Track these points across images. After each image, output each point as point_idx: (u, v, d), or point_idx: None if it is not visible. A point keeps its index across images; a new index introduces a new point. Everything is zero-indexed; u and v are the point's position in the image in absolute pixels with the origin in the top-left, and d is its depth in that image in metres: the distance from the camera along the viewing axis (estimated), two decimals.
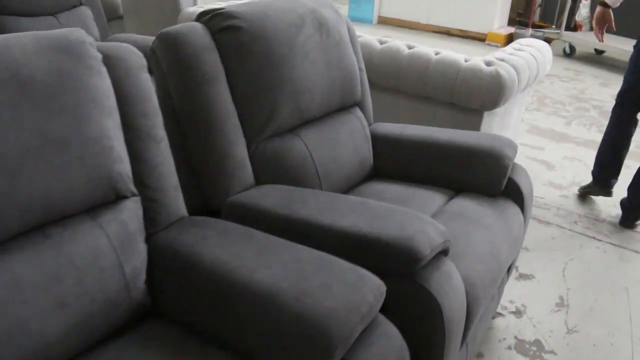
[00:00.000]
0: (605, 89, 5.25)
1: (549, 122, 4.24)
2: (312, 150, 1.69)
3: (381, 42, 2.89)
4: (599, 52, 6.42)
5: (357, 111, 1.97)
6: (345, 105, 1.91)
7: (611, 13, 3.10)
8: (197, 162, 1.54)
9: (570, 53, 6.31)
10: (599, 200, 3.08)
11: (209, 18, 1.58)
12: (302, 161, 1.65)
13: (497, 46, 6.54)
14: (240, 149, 1.56)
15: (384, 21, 7.34)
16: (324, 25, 1.80)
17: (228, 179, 1.54)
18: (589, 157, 3.65)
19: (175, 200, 1.40)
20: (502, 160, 1.80)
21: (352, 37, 2.02)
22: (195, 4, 3.75)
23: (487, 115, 2.73)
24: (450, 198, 1.84)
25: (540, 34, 6.42)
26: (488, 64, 2.64)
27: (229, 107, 1.55)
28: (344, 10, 7.46)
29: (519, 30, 6.47)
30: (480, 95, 2.57)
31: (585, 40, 6.10)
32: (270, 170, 1.62)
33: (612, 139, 2.93)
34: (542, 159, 3.57)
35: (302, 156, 1.66)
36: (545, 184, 3.22)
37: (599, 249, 2.61)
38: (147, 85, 1.37)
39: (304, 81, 1.68)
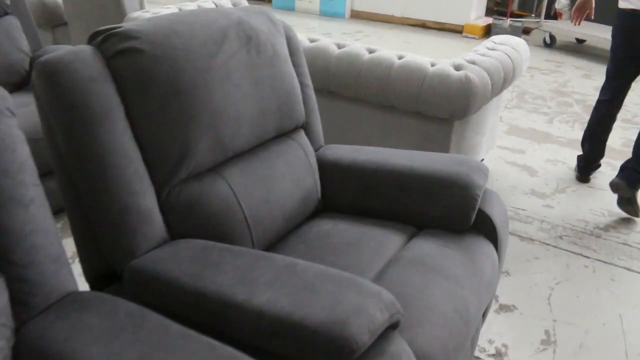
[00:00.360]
0: (587, 81, 5.00)
1: (529, 121, 3.98)
2: (239, 192, 1.40)
3: (339, 46, 2.60)
4: (580, 41, 6.18)
5: (301, 136, 1.68)
6: (285, 131, 1.63)
7: (593, 1, 2.88)
8: (93, 219, 1.25)
9: (550, 43, 6.05)
10: (586, 205, 2.82)
11: (101, 40, 1.29)
12: (226, 207, 1.37)
13: (474, 38, 6.27)
14: (145, 199, 1.27)
15: (357, 15, 7.05)
16: (253, 38, 1.51)
17: (130, 237, 1.25)
18: (574, 158, 3.40)
19: (55, 276, 1.11)
20: (470, 190, 1.53)
21: (294, 49, 1.74)
22: (141, 7, 3.44)
23: (458, 125, 2.46)
24: (411, 237, 1.56)
25: (518, 24, 6.16)
26: (457, 68, 2.37)
27: (128, 150, 1.26)
28: (316, 4, 7.16)
29: (496, 21, 6.21)
30: (448, 104, 2.30)
31: (566, 29, 5.85)
32: (186, 220, 1.34)
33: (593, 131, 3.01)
34: (523, 163, 3.31)
35: (225, 200, 1.37)
36: (527, 193, 2.95)
37: (588, 267, 2.35)
38: (7, 133, 1.07)
39: (225, 109, 1.39)
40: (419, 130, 2.49)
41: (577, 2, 2.95)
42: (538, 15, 6.57)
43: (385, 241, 1.49)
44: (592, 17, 3.03)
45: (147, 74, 1.28)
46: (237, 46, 1.46)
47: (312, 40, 2.67)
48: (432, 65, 2.40)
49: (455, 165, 1.59)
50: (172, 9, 3.04)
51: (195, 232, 1.35)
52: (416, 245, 1.47)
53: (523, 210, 2.78)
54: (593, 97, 4.55)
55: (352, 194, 1.67)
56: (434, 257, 1.40)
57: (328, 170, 1.72)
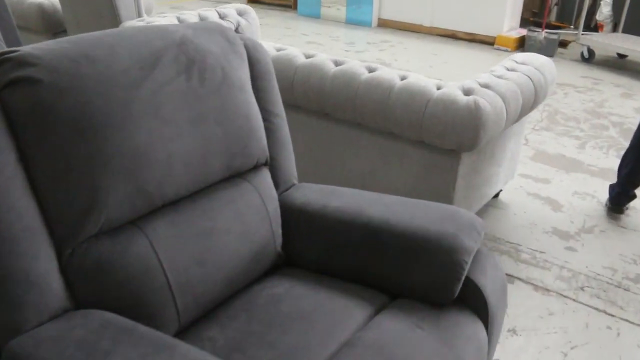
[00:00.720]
0: (627, 101, 4.61)
1: (558, 145, 3.63)
2: (163, 251, 1.15)
3: (337, 63, 2.33)
4: (622, 56, 5.76)
5: (260, 177, 1.42)
6: (239, 172, 1.37)
7: None
8: None
9: (588, 58, 5.65)
10: (615, 249, 2.48)
11: None
12: (144, 269, 1.12)
13: (506, 50, 5.92)
14: (38, 262, 1.03)
15: (384, 24, 6.76)
16: (196, 62, 1.26)
17: (13, 309, 1.01)
18: (605, 191, 3.05)
19: None
20: (455, 255, 1.24)
21: (260, 72, 1.48)
22: (139, 15, 3.23)
23: (467, 156, 2.16)
24: (379, 310, 1.28)
25: (554, 36, 5.78)
26: (466, 92, 2.07)
27: (17, 202, 1.02)
28: (342, 12, 6.90)
29: (531, 33, 5.84)
30: (454, 134, 2.00)
31: (606, 43, 5.45)
32: (95, 285, 1.09)
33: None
34: (546, 195, 2.98)
35: (144, 261, 1.12)
36: (548, 232, 2.63)
37: (611, 329, 2.02)
38: None
39: (151, 151, 1.14)
40: (423, 160, 2.20)
41: None
42: (577, 27, 6.18)
43: (344, 316, 1.21)
44: None
45: (46, 109, 1.04)
46: (173, 73, 1.21)
47: (308, 56, 2.41)
48: (438, 88, 2.11)
49: (441, 221, 1.31)
50: (169, 18, 2.82)
51: (107, 299, 1.10)
52: (381, 323, 1.19)
53: (541, 253, 2.46)
54: (632, 119, 4.16)
55: (317, 249, 1.40)
56: (399, 342, 1.12)
57: (294, 217, 1.45)
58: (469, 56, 5.69)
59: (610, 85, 4.99)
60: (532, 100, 2.37)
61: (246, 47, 1.47)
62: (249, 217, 1.32)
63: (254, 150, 1.37)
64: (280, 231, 1.43)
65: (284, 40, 5.94)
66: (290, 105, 2.49)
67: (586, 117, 4.16)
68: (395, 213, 1.34)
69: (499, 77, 2.27)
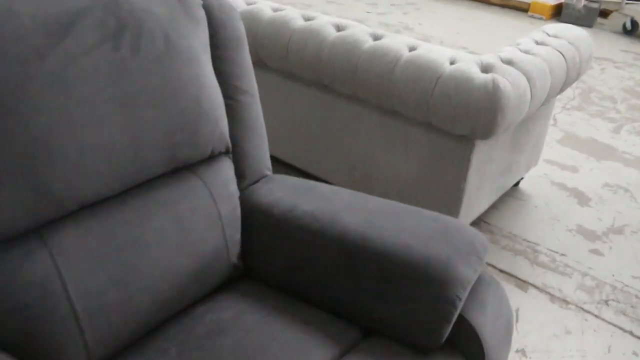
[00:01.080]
0: None
1: (591, 128, 3.29)
2: (68, 270, 0.90)
3: (339, 28, 2.03)
4: None
5: (216, 170, 1.15)
6: (186, 164, 1.10)
7: None
8: None
9: (631, 30, 5.20)
10: None
11: None
12: (41, 293, 0.87)
13: (541, 19, 5.49)
14: None
15: None
16: (129, 27, 0.98)
17: None
18: (639, 183, 2.72)
19: None
20: (446, 288, 0.97)
21: (224, 39, 1.20)
22: None
23: (482, 143, 1.87)
24: (345, 351, 1.02)
25: (595, 5, 5.32)
26: (485, 69, 1.77)
27: None
28: None
29: (569, 1, 5.39)
30: (467, 118, 1.71)
31: None
32: None
33: None
34: (573, 186, 2.67)
35: (41, 284, 0.87)
36: (572, 230, 2.33)
37: (637, 356, 1.74)
38: None
39: (57, 140, 0.88)
40: (430, 146, 1.91)
41: None
42: None
43: (300, 358, 0.96)
44: None
45: None
46: (95, 40, 0.94)
47: (307, 19, 2.11)
48: (452, 62, 1.80)
49: (432, 240, 1.03)
50: None
51: None
52: None
53: (562, 255, 2.17)
54: None
55: (281, 264, 1.15)
56: None
57: (258, 219, 1.19)
58: (499, 23, 5.28)
59: None
60: (563, 81, 2.04)
61: (207, 7, 1.18)
62: (193, 223, 1.06)
63: (206, 138, 1.10)
64: (238, 237, 1.17)
65: None
66: (286, 74, 2.20)
67: (624, 97, 3.79)
68: (377, 225, 1.07)
69: (526, 52, 1.95)
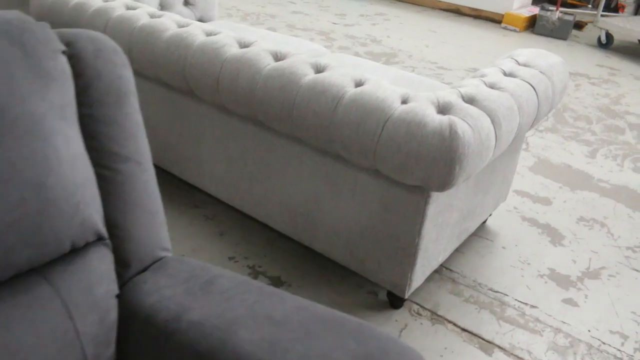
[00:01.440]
0: None
1: (565, 153, 3.08)
2: None
3: (277, 57, 1.78)
4: None
5: (77, 268, 0.89)
6: (33, 267, 0.84)
7: None
8: None
9: (606, 43, 5.03)
10: (629, 305, 1.96)
11: None
12: None
13: (514, 30, 5.29)
14: None
15: None
16: None
17: None
18: (618, 217, 2.51)
19: None
20: None
21: (102, 93, 0.94)
22: None
23: (439, 193, 1.62)
24: None
25: (569, 17, 5.14)
26: (442, 109, 1.52)
27: None
28: None
29: (543, 12, 5.21)
30: (419, 169, 1.47)
31: (627, 28, 4.82)
32: None
33: None
34: (545, 221, 2.44)
35: None
36: (544, 277, 2.10)
37: None
38: None
39: None
40: (380, 194, 1.66)
41: None
42: (596, 7, 5.54)
43: None
44: None
45: None
46: None
47: (243, 46, 1.85)
48: (404, 101, 1.55)
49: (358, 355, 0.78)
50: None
51: None
52: None
53: (532, 307, 1.94)
54: None
55: None
56: None
57: (136, 327, 0.93)
58: (471, 35, 5.08)
59: (630, 77, 4.40)
60: (533, 117, 1.81)
61: (76, 54, 0.92)
62: (35, 352, 0.79)
63: (58, 231, 0.84)
64: (109, 354, 0.90)
65: (267, 8, 5.33)
66: (219, 107, 1.94)
67: (599, 117, 3.59)
68: (279, 347, 0.81)
69: (492, 85, 1.72)
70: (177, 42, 1.89)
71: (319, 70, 1.71)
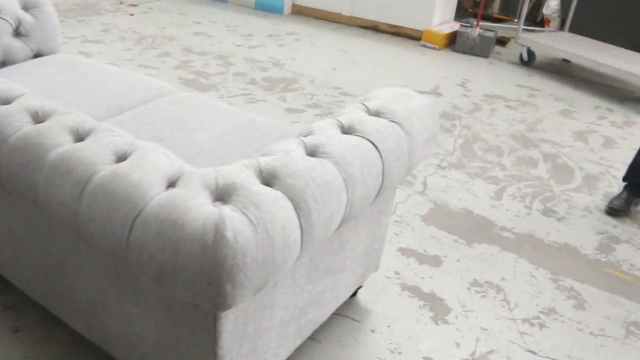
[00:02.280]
0: (566, 121, 3.71)
1: (468, 195, 2.71)
2: None
3: (37, 118, 1.33)
4: (567, 60, 4.86)
5: None
6: None
7: None
8: None
9: (528, 60, 4.74)
10: None
11: None
12: None
13: (434, 48, 4.97)
14: None
15: (299, 11, 5.73)
16: None
17: None
18: (519, 277, 2.14)
19: None
20: None
21: None
22: None
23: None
24: None
25: (490, 33, 4.84)
26: (221, 194, 1.11)
27: None
28: None
29: (463, 29, 4.89)
30: (178, 286, 1.04)
31: (548, 45, 4.53)
32: None
33: None
34: (430, 290, 2.05)
35: None
36: None
37: None
38: None
39: None
40: (164, 304, 1.24)
41: None
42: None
43: None
44: None
45: None
46: None
47: (4, 102, 1.40)
48: (171, 184, 1.13)
49: None
50: None
51: None
52: None
53: None
54: (569, 150, 3.27)
55: None
56: None
57: None
58: (387, 55, 4.73)
59: (550, 98, 4.10)
60: (376, 187, 1.41)
61: None
62: None
63: None
64: None
65: (168, 30, 4.87)
66: None
67: (512, 147, 3.25)
68: None
69: (314, 149, 1.31)
70: None
71: (79, 137, 1.27)
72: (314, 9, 5.64)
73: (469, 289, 2.07)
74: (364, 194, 1.37)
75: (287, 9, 5.74)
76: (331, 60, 4.43)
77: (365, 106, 1.60)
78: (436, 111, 1.73)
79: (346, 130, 1.47)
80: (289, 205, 1.13)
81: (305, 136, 1.42)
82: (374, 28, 5.35)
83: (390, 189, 1.63)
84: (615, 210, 2.62)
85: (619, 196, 2.68)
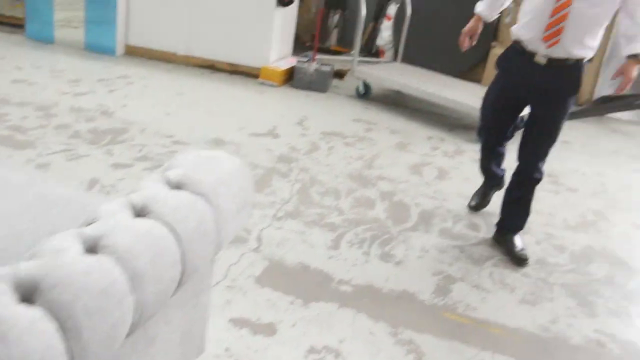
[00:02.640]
0: (401, 155, 3.79)
1: (305, 247, 2.61)
2: None
3: None
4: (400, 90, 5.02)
5: None
6: None
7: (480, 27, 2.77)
8: None
9: (365, 93, 4.84)
10: None
11: None
12: None
13: (272, 85, 4.91)
14: None
15: (132, 51, 5.42)
16: None
17: None
18: (358, 336, 2.06)
19: None
20: None
21: None
22: None
23: None
24: None
25: (327, 68, 4.89)
26: None
27: None
28: (80, 34, 5.43)
29: (300, 65, 4.90)
30: None
31: (382, 77, 4.65)
32: None
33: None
34: None
35: None
36: None
37: None
38: None
39: None
40: None
41: (469, 24, 2.82)
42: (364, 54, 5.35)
43: None
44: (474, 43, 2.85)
45: None
46: None
47: None
48: None
49: None
50: None
51: None
52: None
53: None
54: (405, 185, 3.32)
55: None
56: None
57: None
58: (225, 95, 4.59)
59: (386, 131, 4.18)
60: (175, 279, 1.25)
61: None
62: None
63: None
64: None
65: None
66: None
67: (350, 188, 3.22)
68: None
69: (93, 244, 1.12)
70: None
71: None
72: (148, 49, 5.37)
73: (305, 357, 1.95)
74: (158, 289, 1.20)
75: (119, 49, 5.41)
76: (165, 105, 4.21)
77: (168, 178, 1.43)
78: (249, 175, 1.61)
79: (139, 212, 1.30)
80: (50, 328, 0.93)
81: (88, 224, 1.23)
82: (211, 67, 5.19)
83: (197, 272, 1.46)
84: (476, 208, 3.12)
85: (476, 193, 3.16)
